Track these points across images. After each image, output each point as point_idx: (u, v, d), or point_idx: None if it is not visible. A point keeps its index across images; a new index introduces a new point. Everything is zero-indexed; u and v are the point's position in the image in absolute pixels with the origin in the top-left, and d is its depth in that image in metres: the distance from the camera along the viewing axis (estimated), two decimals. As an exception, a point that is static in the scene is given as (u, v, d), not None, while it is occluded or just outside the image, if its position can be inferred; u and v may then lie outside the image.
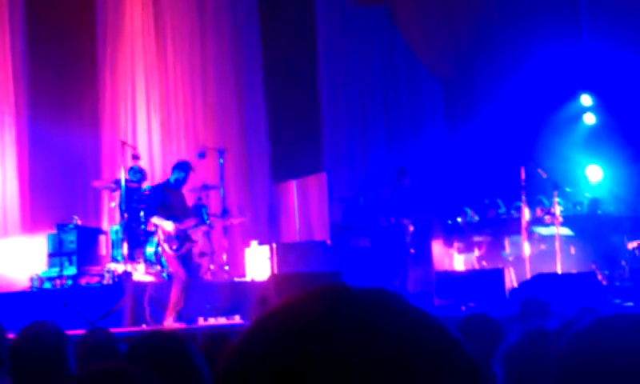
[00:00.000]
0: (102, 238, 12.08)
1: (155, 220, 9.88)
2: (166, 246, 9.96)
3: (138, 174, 11.79)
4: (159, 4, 14.38)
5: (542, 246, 12.59)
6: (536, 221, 12.83)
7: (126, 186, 11.23)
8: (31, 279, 11.42)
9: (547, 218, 12.63)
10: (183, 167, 10.05)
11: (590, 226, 12.83)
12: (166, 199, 9.82)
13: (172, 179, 9.96)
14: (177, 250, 9.75)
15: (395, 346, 0.86)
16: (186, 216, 9.97)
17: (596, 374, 1.50)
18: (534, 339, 2.75)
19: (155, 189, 10.27)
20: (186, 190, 10.62)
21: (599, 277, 11.56)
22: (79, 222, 11.75)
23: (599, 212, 13.50)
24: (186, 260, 9.76)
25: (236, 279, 12.44)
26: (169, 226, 9.76)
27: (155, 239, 10.51)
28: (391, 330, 0.88)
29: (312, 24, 16.08)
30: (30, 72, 13.32)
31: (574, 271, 11.86)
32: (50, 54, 13.44)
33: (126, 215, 11.18)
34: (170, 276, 10.43)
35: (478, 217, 14.06)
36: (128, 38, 14.08)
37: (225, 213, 11.73)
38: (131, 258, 11.06)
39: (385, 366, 0.85)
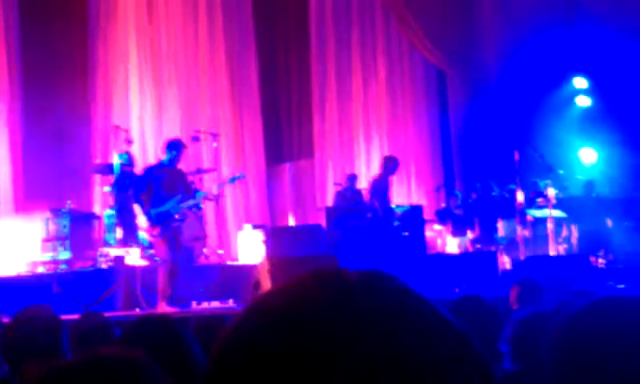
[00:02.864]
0: (96, 222, 12.06)
1: (135, 208, 9.75)
2: (143, 233, 9.89)
3: (124, 156, 11.67)
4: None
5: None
6: (529, 203, 12.86)
7: (120, 170, 11.20)
8: (25, 264, 11.42)
9: (540, 200, 12.67)
10: (175, 145, 9.92)
11: (584, 208, 12.86)
12: (158, 179, 9.68)
13: (165, 159, 9.85)
14: (160, 235, 9.60)
15: (390, 329, 0.86)
16: (179, 193, 9.78)
17: (589, 357, 1.50)
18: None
19: (143, 173, 10.13)
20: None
21: (592, 259, 11.61)
22: (72, 207, 11.72)
23: (594, 194, 13.54)
24: (170, 240, 9.60)
25: (229, 263, 12.46)
26: (142, 221, 9.59)
27: None
28: (386, 312, 0.88)
29: (305, 11, 16.05)
30: (23, 55, 13.28)
31: (566, 253, 11.92)
32: (43, 38, 13.39)
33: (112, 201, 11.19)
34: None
35: (471, 199, 14.10)
36: (121, 23, 14.03)
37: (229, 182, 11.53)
38: (124, 242, 11.04)
39: (379, 349, 0.84)
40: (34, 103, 13.09)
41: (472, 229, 13.60)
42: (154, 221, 9.52)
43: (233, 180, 11.00)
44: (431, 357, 0.86)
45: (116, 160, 11.58)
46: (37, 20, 13.41)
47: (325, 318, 0.86)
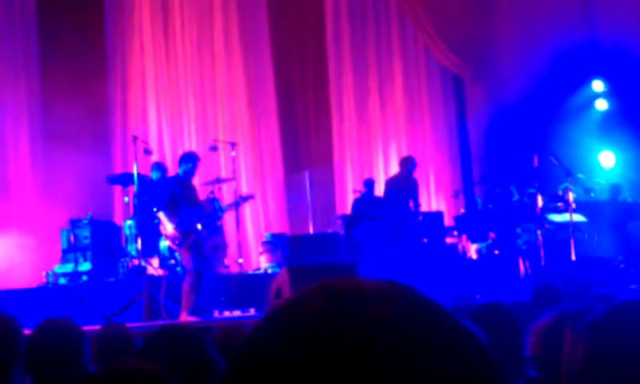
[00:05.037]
0: (117, 233, 12.11)
1: (161, 215, 9.81)
2: (168, 241, 9.96)
3: (159, 171, 11.74)
4: (168, -1, 14.43)
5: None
6: (549, 208, 12.79)
7: (139, 180, 11.24)
8: (46, 275, 11.47)
9: (560, 204, 12.60)
10: (190, 158, 9.99)
11: (606, 212, 12.79)
12: (175, 192, 9.76)
13: (180, 172, 9.92)
14: (179, 245, 9.67)
15: (406, 340, 0.86)
16: (199, 205, 9.89)
17: (612, 363, 1.49)
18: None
19: (166, 183, 10.19)
20: (197, 183, 10.58)
21: (614, 263, 11.54)
22: (93, 218, 11.77)
23: (620, 198, 13.47)
24: (194, 251, 9.65)
25: (250, 272, 12.47)
26: (169, 227, 9.67)
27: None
28: (402, 323, 0.88)
29: (321, 17, 16.06)
30: (42, 67, 13.39)
31: (588, 257, 11.84)
32: (61, 50, 13.49)
33: (131, 212, 11.25)
34: (183, 269, 10.42)
35: (491, 205, 14.03)
36: (137, 35, 14.10)
37: (238, 203, 11.63)
38: (145, 252, 11.07)
39: (395, 360, 0.84)
40: (53, 115, 13.17)
41: (492, 234, 13.54)
42: (181, 228, 9.58)
43: (244, 199, 11.18)
44: (450, 368, 0.86)
45: (136, 170, 11.66)
46: (55, 33, 13.51)
47: (338, 329, 0.86)
